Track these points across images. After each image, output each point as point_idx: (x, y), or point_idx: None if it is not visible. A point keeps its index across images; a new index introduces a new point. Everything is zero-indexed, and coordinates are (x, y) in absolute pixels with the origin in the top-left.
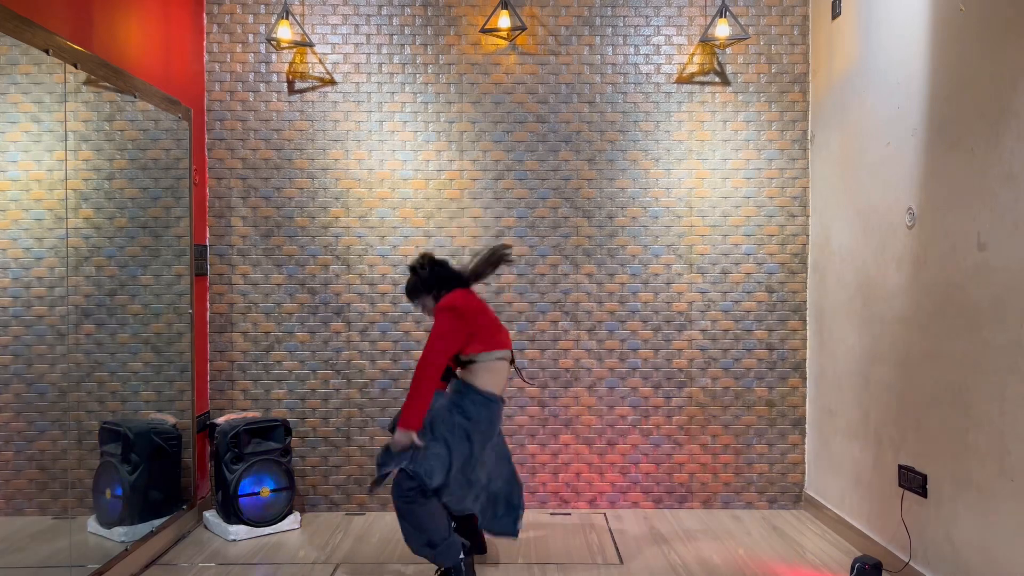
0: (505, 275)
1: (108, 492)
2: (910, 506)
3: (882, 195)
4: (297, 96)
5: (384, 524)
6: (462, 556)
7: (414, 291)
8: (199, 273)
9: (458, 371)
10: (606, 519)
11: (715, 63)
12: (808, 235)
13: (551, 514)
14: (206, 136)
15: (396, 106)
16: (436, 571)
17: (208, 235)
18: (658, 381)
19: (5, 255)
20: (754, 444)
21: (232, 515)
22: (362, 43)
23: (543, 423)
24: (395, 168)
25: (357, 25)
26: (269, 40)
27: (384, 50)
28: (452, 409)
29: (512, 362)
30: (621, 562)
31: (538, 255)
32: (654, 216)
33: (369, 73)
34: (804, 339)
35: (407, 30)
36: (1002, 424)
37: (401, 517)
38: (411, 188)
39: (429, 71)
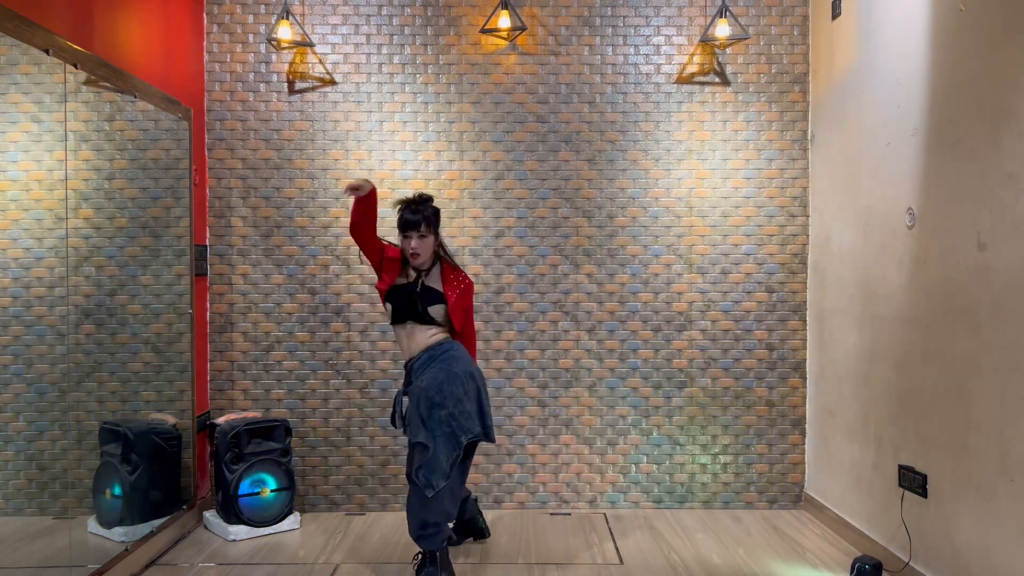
0: (505, 275)
1: (108, 492)
2: (910, 506)
3: (882, 195)
4: (297, 96)
5: (384, 524)
6: (444, 545)
7: (433, 220)
8: (199, 273)
9: (447, 337)
10: (606, 519)
11: (715, 63)
12: (808, 235)
13: (551, 514)
14: (206, 136)
15: (396, 106)
16: (413, 557)
17: (208, 235)
18: (658, 381)
19: (5, 255)
20: (754, 444)
21: (232, 515)
22: (362, 43)
23: (543, 423)
24: (395, 168)
25: (357, 25)
26: (269, 40)
27: (384, 50)
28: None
29: None
30: (621, 562)
31: (538, 255)
32: (654, 216)
33: (369, 73)
34: (804, 339)
35: (407, 30)
36: (1002, 424)
37: (411, 494)
38: (411, 188)
39: (429, 71)
